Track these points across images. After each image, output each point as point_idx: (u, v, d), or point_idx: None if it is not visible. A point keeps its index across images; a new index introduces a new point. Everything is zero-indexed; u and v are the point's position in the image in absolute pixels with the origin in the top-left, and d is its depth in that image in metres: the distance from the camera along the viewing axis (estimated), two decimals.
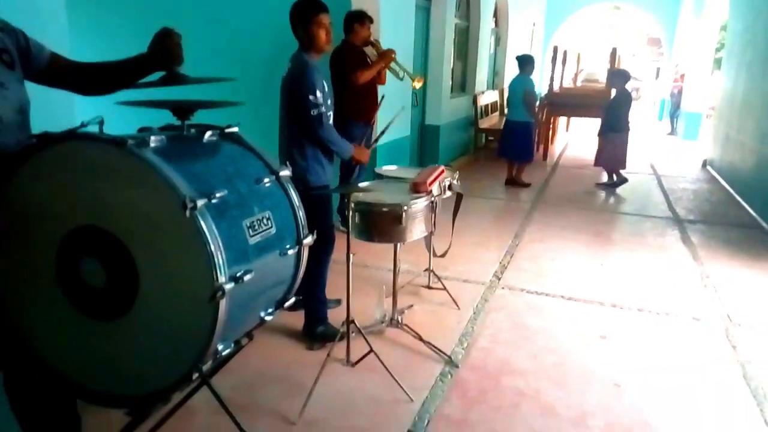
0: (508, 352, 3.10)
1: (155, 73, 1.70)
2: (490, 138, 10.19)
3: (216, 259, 1.35)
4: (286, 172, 1.78)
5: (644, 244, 5.10)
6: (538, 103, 8.28)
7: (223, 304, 1.38)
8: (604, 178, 7.52)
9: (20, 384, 1.69)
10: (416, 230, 2.73)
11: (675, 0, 14.71)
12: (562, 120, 12.56)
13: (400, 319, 3.18)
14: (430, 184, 2.77)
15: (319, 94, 2.85)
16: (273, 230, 1.64)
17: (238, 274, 1.43)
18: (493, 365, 2.97)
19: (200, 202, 1.35)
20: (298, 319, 3.23)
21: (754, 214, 6.09)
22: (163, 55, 1.62)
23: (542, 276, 4.21)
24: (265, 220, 1.61)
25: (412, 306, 3.60)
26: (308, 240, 1.80)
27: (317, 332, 3.09)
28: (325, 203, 3.02)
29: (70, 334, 1.52)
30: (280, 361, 2.95)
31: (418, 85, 4.69)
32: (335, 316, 3.11)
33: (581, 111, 9.82)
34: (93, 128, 1.46)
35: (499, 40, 11.72)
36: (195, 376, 1.44)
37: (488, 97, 10.33)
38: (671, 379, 2.90)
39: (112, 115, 1.74)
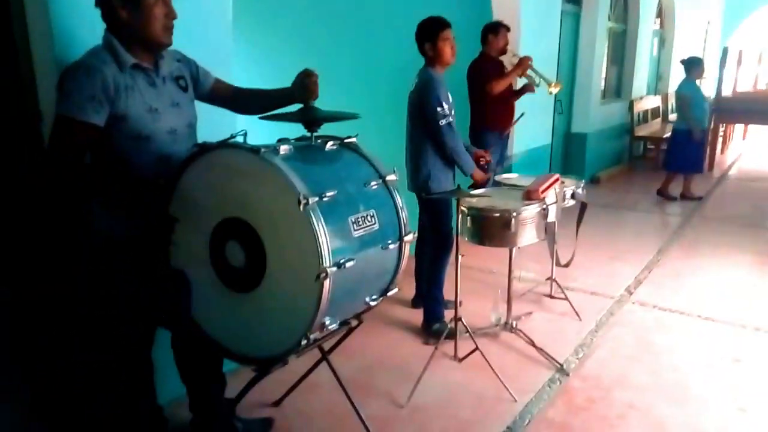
0: (626, 366, 3.04)
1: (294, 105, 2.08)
2: (650, 146, 9.56)
3: (321, 247, 1.65)
4: (392, 177, 2.03)
5: None
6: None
7: (326, 284, 1.67)
8: None
9: (182, 342, 2.16)
10: (527, 236, 2.82)
11: None
12: (739, 128, 11.33)
13: (514, 323, 3.27)
14: (543, 191, 2.85)
15: (445, 105, 3.09)
16: (376, 226, 1.90)
17: (341, 261, 1.71)
18: (606, 377, 2.94)
19: (312, 200, 1.65)
20: (418, 316, 3.48)
21: None
22: (303, 91, 1.99)
23: (680, 293, 3.98)
24: (369, 218, 1.88)
25: (531, 313, 3.65)
26: (409, 237, 2.03)
27: (433, 329, 3.31)
28: (444, 208, 3.23)
29: (217, 304, 1.92)
30: (399, 351, 3.22)
31: (554, 90, 4.63)
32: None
33: (759, 118, 8.81)
34: (240, 139, 1.85)
35: (663, 41, 10.92)
36: (303, 342, 1.75)
37: (648, 103, 9.70)
38: None
39: (261, 128, 2.16)
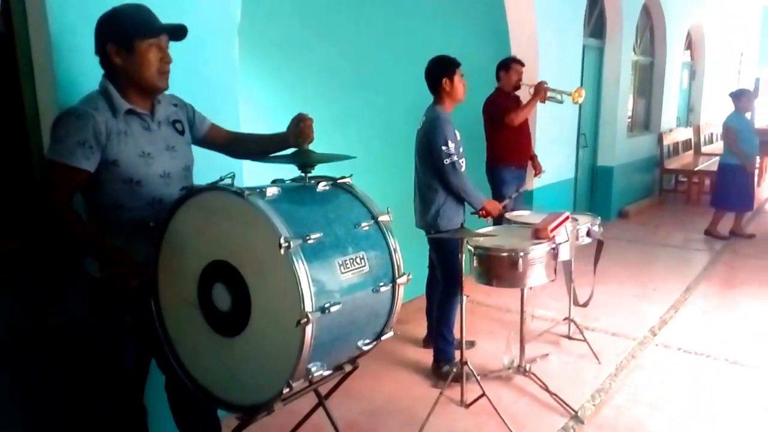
0: (645, 413, 2.87)
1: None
2: (682, 179, 9.31)
3: (303, 292, 1.60)
4: (385, 218, 1.99)
5: None
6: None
7: (308, 330, 1.62)
8: None
9: (174, 387, 2.13)
10: (536, 277, 2.73)
11: None
12: None
13: (528, 366, 3.15)
14: (552, 230, 2.76)
15: (451, 144, 3.07)
16: (366, 268, 1.85)
17: (326, 305, 1.67)
18: (624, 425, 2.78)
19: (295, 243, 1.62)
20: (429, 356, 3.39)
21: None
22: (297, 135, 2.00)
23: (707, 335, 3.78)
24: (358, 260, 1.83)
25: (547, 355, 3.52)
26: (402, 279, 1.97)
27: (442, 371, 3.21)
28: (452, 247, 3.16)
29: (205, 348, 1.89)
30: (406, 394, 3.13)
31: (579, 99, 4.51)
32: (470, 359, 3.14)
33: None
34: (228, 181, 1.84)
35: (694, 73, 10.73)
36: (285, 390, 1.69)
37: (678, 135, 9.49)
38: None
39: (263, 169, 2.17)
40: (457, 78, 3.17)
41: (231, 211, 1.76)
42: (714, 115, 11.17)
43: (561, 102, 4.56)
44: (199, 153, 2.16)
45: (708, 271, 5.20)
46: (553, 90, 4.44)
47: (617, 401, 3.01)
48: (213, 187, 1.80)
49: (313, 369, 1.75)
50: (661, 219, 7.48)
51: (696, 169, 8.71)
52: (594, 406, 2.96)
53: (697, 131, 10.29)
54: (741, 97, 6.17)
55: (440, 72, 3.18)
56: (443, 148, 3.05)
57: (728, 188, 6.18)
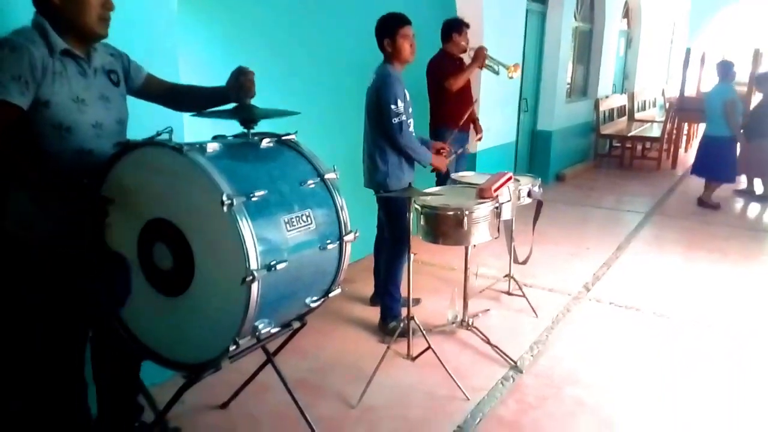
0: (579, 364, 3.04)
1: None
2: (616, 144, 9.69)
3: (248, 250, 1.59)
4: (332, 175, 1.98)
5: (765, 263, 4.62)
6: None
7: (254, 288, 1.61)
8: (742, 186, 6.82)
9: (103, 351, 2.06)
10: (480, 235, 2.80)
11: None
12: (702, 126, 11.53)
13: (471, 321, 3.26)
14: (496, 190, 2.83)
15: (400, 103, 3.06)
16: (312, 226, 1.85)
17: (272, 263, 1.66)
18: (559, 374, 2.94)
19: (238, 200, 1.59)
20: (376, 314, 3.44)
21: None
22: (238, 89, 1.92)
23: (636, 291, 4.01)
24: (304, 217, 1.83)
25: (488, 310, 3.65)
26: (350, 237, 1.98)
27: (389, 327, 3.27)
28: (400, 206, 3.19)
29: (147, 307, 1.85)
30: (354, 350, 3.18)
31: (514, 75, 4.50)
32: (416, 315, 3.18)
33: None
34: (166, 136, 1.78)
35: (630, 41, 11.06)
36: (232, 348, 1.69)
37: (614, 102, 9.81)
38: (739, 398, 2.67)
39: (204, 124, 2.09)
40: (400, 38, 3.08)
41: (170, 168, 1.71)
42: (647, 82, 11.61)
43: (497, 73, 4.53)
44: (137, 106, 2.06)
45: (638, 231, 5.48)
46: (492, 59, 4.43)
47: (553, 352, 3.17)
48: (150, 142, 1.74)
49: (260, 326, 1.75)
50: (596, 182, 7.78)
51: (629, 134, 9.07)
52: (532, 357, 3.11)
53: (631, 98, 10.68)
54: (728, 68, 6.16)
55: (381, 32, 3.12)
56: (392, 107, 3.03)
57: (716, 159, 6.25)
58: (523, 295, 3.71)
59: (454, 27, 4.42)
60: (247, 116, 1.94)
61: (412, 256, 2.80)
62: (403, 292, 3.38)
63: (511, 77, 4.54)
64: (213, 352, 1.76)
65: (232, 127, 2.10)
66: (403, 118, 3.08)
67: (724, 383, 2.87)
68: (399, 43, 3.10)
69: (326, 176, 1.97)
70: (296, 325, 2.12)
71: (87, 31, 1.75)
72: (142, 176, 1.76)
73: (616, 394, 2.76)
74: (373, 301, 3.69)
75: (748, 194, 6.94)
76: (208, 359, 1.78)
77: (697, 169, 6.57)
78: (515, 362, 3.01)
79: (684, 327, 3.48)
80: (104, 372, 2.10)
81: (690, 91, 9.10)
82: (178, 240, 1.71)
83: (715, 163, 6.32)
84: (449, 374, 2.77)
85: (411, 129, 3.18)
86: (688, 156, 9.77)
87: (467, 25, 4.46)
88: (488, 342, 3.12)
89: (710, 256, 4.77)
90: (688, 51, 8.81)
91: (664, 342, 3.30)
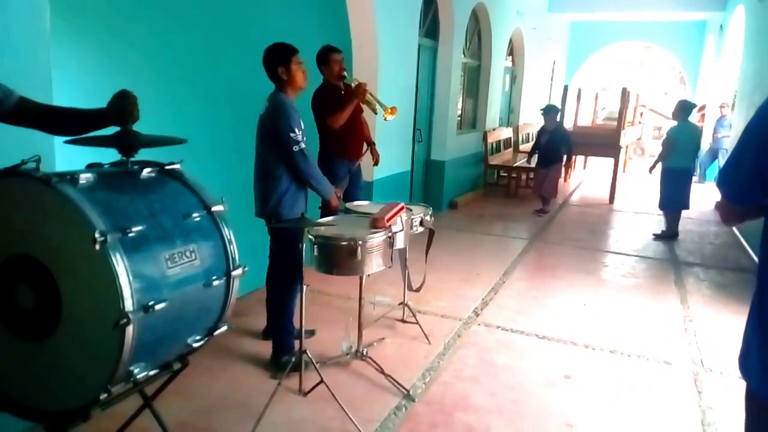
0: (468, 388, 3.14)
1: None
2: (503, 174, 10.26)
3: (122, 290, 1.48)
4: (219, 207, 1.91)
5: (635, 285, 5.07)
6: None
7: (129, 331, 1.50)
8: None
9: None
10: (373, 264, 2.82)
11: (698, 42, 14.66)
12: (581, 158, 12.56)
13: (365, 351, 3.26)
14: (389, 220, 2.88)
15: (298, 131, 3.05)
16: (197, 262, 1.77)
17: (149, 303, 1.56)
18: (449, 400, 3.01)
19: (112, 237, 1.49)
20: (269, 348, 3.34)
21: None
22: (119, 113, 1.80)
23: (521, 314, 4.23)
24: (188, 253, 1.74)
25: (383, 339, 3.67)
26: (238, 272, 1.92)
27: (282, 361, 3.19)
28: (293, 236, 3.14)
29: (3, 352, 1.66)
30: (243, 388, 3.05)
31: (390, 117, 4.35)
32: (310, 347, 3.13)
33: (594, 150, 9.82)
34: (32, 165, 1.63)
35: (515, 78, 11.87)
36: (103, 396, 1.55)
37: (500, 134, 10.43)
38: (626, 421, 2.89)
39: (75, 152, 1.93)
40: (294, 66, 3.09)
41: (35, 201, 1.57)
42: (530, 116, 12.48)
43: (375, 112, 4.45)
44: (1, 131, 1.87)
45: (522, 257, 5.81)
46: (373, 96, 4.31)
47: (444, 378, 3.25)
48: (12, 172, 1.58)
49: (136, 371, 1.64)
50: (485, 209, 8.18)
51: (515, 165, 9.67)
52: (424, 384, 3.16)
53: (516, 131, 11.41)
54: (690, 108, 6.61)
55: (275, 60, 3.11)
56: (291, 135, 3.01)
57: (672, 191, 6.60)
58: (417, 322, 3.78)
59: (319, 59, 4.23)
60: (127, 143, 1.82)
61: (305, 287, 2.76)
62: (297, 324, 3.33)
63: (386, 119, 4.42)
64: (81, 399, 1.61)
65: (110, 155, 1.98)
66: (303, 145, 3.07)
67: (605, 397, 3.09)
68: (293, 70, 3.10)
69: (213, 208, 1.89)
70: (177, 366, 2.00)
71: None
72: (3, 209, 1.59)
73: (503, 418, 2.87)
74: (266, 334, 3.58)
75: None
76: (75, 407, 1.62)
77: (664, 203, 6.78)
78: (408, 391, 3.04)
79: (562, 347, 3.71)
80: None
81: (568, 124, 9.89)
82: (43, 279, 1.56)
83: (672, 195, 6.65)
84: (341, 408, 2.74)
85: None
86: (567, 185, 10.57)
87: (336, 50, 4.27)
88: (382, 372, 3.13)
89: (588, 278, 5.15)
90: (566, 88, 9.62)
91: (545, 362, 3.49)
